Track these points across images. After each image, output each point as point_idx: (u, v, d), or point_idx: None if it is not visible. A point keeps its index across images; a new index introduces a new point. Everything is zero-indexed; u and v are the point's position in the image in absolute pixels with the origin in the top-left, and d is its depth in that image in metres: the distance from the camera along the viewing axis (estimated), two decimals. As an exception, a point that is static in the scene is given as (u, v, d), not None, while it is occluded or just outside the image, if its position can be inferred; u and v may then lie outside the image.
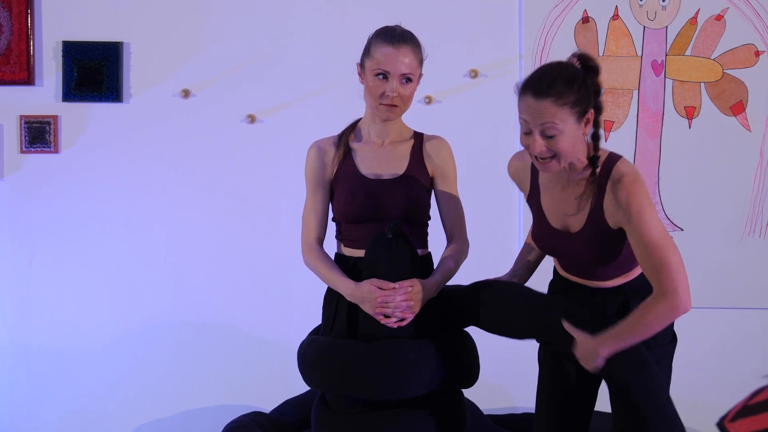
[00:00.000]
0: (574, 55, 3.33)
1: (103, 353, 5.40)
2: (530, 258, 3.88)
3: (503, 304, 3.62)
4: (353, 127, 3.96)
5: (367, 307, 3.67)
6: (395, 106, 3.77)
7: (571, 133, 3.25)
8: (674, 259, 3.20)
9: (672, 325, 3.53)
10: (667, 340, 3.53)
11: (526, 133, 3.32)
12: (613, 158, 3.33)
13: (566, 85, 3.22)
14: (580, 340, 3.34)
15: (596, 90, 3.28)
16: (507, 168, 3.74)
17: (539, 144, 3.27)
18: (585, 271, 3.52)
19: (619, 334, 3.28)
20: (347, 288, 3.74)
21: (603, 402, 5.18)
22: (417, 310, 3.65)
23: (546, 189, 3.53)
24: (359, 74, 3.86)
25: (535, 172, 3.58)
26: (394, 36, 3.77)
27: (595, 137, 3.32)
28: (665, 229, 3.25)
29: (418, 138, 3.92)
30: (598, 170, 3.32)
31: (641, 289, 3.43)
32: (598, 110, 3.29)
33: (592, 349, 3.30)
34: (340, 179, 3.85)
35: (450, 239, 3.94)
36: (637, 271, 3.47)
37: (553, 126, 3.22)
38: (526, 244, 3.93)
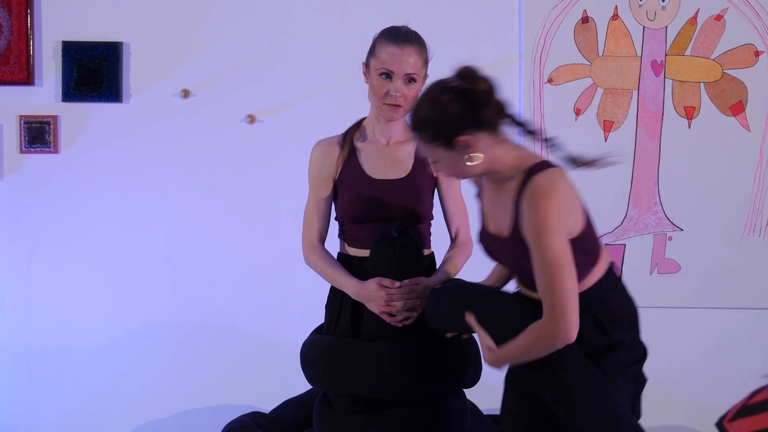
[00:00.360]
0: (456, 73, 3.26)
1: (103, 353, 5.40)
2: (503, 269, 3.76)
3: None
4: (357, 127, 3.96)
5: (372, 306, 3.67)
6: (399, 106, 3.77)
7: (449, 158, 3.22)
8: (567, 285, 3.07)
9: (637, 344, 3.39)
10: (627, 362, 3.34)
11: None
12: (540, 167, 3.22)
13: (424, 126, 3.22)
14: (484, 348, 3.32)
15: (474, 108, 3.18)
16: None
17: (432, 168, 3.36)
18: (523, 282, 3.42)
19: (509, 353, 3.24)
20: (352, 287, 3.74)
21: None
22: (421, 309, 3.65)
23: (485, 190, 3.45)
24: (364, 74, 3.86)
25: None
26: (399, 36, 3.77)
27: (530, 133, 3.31)
28: (566, 252, 3.09)
29: None
30: (520, 178, 3.22)
31: (589, 307, 3.28)
32: (481, 125, 3.19)
33: (492, 363, 3.31)
34: (344, 179, 3.84)
35: (454, 239, 3.95)
36: (583, 286, 3.27)
37: (429, 158, 3.32)
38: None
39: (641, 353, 3.39)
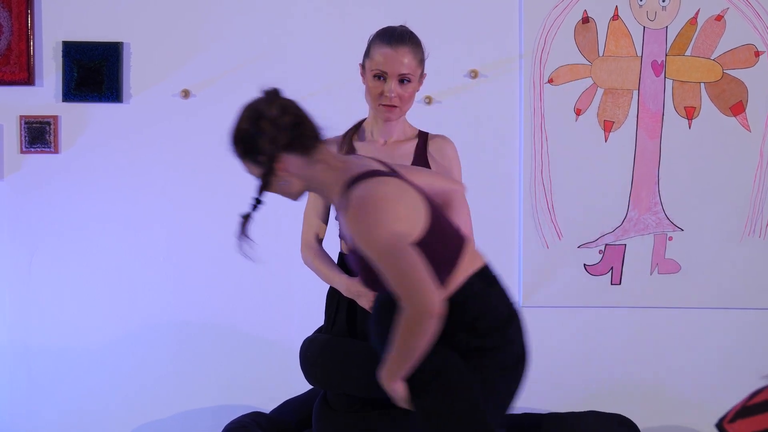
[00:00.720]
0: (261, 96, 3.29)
1: (102, 353, 5.40)
2: None
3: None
4: (357, 128, 3.96)
5: (363, 302, 3.68)
6: (394, 106, 3.77)
7: (262, 176, 3.24)
8: (406, 265, 2.96)
9: (510, 351, 3.33)
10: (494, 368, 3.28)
11: None
12: (358, 179, 3.14)
13: (234, 142, 3.26)
14: (379, 375, 3.20)
15: (274, 133, 3.18)
16: None
17: None
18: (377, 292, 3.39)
19: (392, 361, 3.11)
20: (343, 283, 3.74)
21: (604, 402, 5.19)
22: None
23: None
24: (362, 75, 3.86)
25: None
26: (393, 36, 3.77)
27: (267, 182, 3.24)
28: (397, 239, 2.99)
29: (423, 137, 3.92)
30: (341, 193, 3.17)
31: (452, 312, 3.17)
32: (283, 148, 3.17)
33: (385, 384, 3.17)
34: None
35: None
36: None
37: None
38: None
39: (513, 359, 3.31)
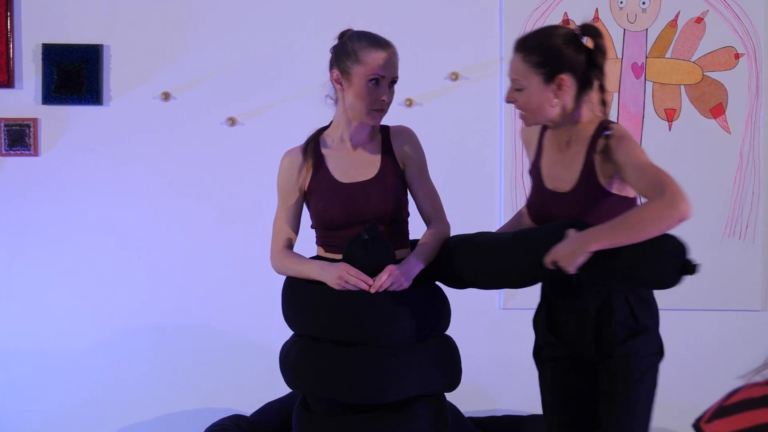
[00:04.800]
0: (581, 26, 3.46)
1: (83, 356, 5.39)
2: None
3: (484, 253, 3.62)
4: (319, 135, 3.91)
5: (333, 279, 3.66)
6: (384, 110, 3.77)
7: (538, 90, 3.41)
8: (670, 176, 3.27)
9: (658, 336, 3.52)
10: (653, 350, 3.50)
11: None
12: (606, 121, 3.44)
13: (534, 50, 3.40)
14: (569, 235, 3.29)
15: (586, 59, 3.40)
16: (520, 132, 3.82)
17: (508, 94, 3.49)
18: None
19: (612, 227, 3.23)
20: (316, 268, 3.73)
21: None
22: (406, 284, 3.66)
23: (547, 151, 3.60)
24: (337, 81, 3.78)
25: (542, 134, 3.66)
26: (380, 40, 3.74)
27: (603, 102, 3.45)
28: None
29: (385, 132, 3.89)
30: (593, 132, 3.43)
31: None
32: (583, 75, 3.40)
33: (578, 244, 3.24)
34: (314, 188, 3.82)
35: (429, 224, 3.91)
36: None
37: (516, 81, 3.44)
38: (515, 217, 3.94)
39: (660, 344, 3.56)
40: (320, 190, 3.80)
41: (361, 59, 3.70)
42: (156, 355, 5.41)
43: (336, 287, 3.63)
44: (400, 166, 3.84)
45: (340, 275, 3.62)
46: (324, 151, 3.85)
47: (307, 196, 3.86)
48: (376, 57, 3.69)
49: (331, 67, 3.80)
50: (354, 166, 3.81)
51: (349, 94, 3.73)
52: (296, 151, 3.88)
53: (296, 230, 3.93)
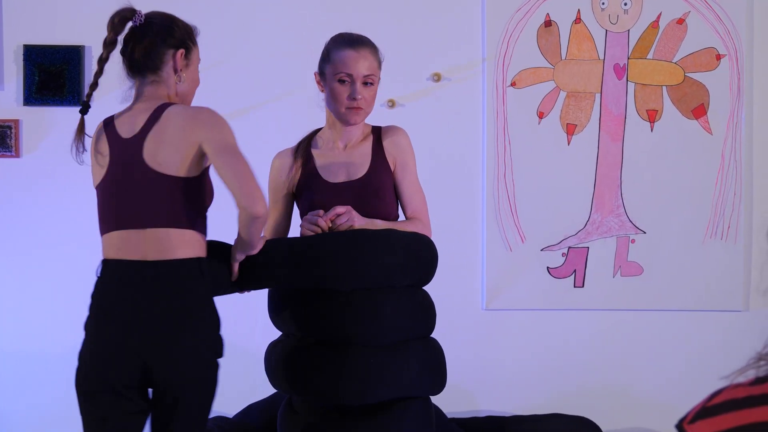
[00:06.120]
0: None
1: (65, 358, 5.32)
2: None
3: None
4: (311, 138, 3.95)
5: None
6: (360, 108, 3.77)
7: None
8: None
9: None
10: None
11: None
12: None
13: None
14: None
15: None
16: None
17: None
18: None
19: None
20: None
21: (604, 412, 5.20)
22: (356, 222, 3.70)
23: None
24: (318, 83, 3.86)
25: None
26: (353, 40, 3.78)
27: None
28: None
29: (376, 132, 3.92)
30: None
31: None
32: None
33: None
34: (303, 188, 3.85)
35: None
36: None
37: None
38: None
39: None
40: (308, 189, 3.82)
41: (331, 59, 3.79)
42: (138, 356, 5.39)
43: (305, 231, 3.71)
44: (390, 167, 3.85)
45: (302, 225, 3.72)
46: (314, 151, 3.88)
47: (296, 197, 3.89)
48: (344, 56, 3.75)
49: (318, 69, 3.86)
50: (343, 166, 3.83)
51: (326, 94, 3.80)
52: (287, 153, 3.93)
53: (285, 231, 3.95)
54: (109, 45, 3.61)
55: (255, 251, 3.52)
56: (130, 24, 3.54)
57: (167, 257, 3.36)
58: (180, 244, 3.39)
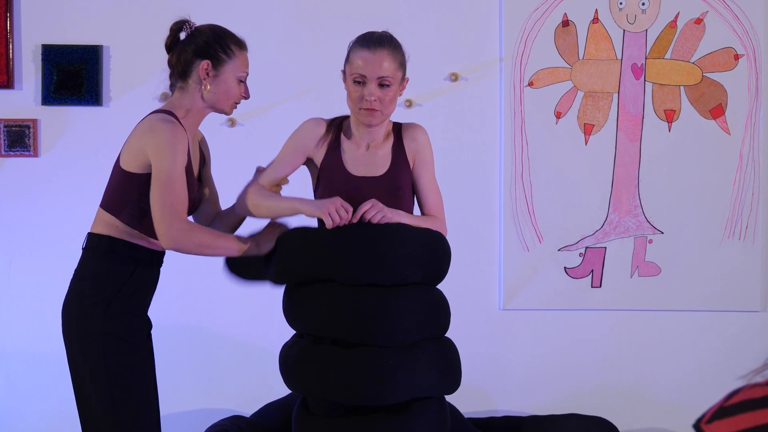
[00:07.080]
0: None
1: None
2: None
3: None
4: (344, 119, 3.94)
5: (318, 209, 3.71)
6: (375, 110, 3.75)
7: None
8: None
9: None
10: None
11: None
12: None
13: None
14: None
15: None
16: None
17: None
18: None
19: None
20: (298, 199, 3.80)
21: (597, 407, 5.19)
22: (390, 217, 3.70)
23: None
24: (344, 81, 3.85)
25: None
26: (372, 40, 3.76)
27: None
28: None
29: (397, 130, 3.91)
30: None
31: None
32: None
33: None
34: (325, 170, 3.84)
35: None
36: None
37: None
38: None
39: None
40: (329, 176, 3.81)
41: (350, 59, 3.79)
42: (156, 355, 5.39)
43: (321, 215, 3.68)
44: (410, 164, 3.85)
45: (332, 202, 3.67)
46: (344, 139, 3.87)
47: (312, 167, 3.90)
48: (359, 57, 3.74)
49: None
50: (365, 161, 3.83)
51: (346, 93, 3.80)
52: (321, 123, 3.92)
53: (282, 183, 3.98)
54: (167, 49, 3.91)
55: (237, 254, 3.92)
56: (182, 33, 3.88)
57: (90, 230, 3.94)
58: (98, 222, 3.89)
